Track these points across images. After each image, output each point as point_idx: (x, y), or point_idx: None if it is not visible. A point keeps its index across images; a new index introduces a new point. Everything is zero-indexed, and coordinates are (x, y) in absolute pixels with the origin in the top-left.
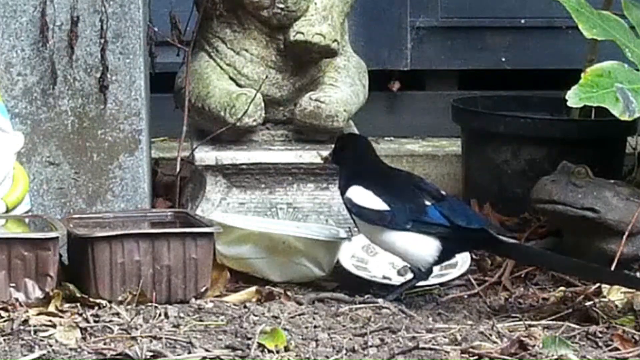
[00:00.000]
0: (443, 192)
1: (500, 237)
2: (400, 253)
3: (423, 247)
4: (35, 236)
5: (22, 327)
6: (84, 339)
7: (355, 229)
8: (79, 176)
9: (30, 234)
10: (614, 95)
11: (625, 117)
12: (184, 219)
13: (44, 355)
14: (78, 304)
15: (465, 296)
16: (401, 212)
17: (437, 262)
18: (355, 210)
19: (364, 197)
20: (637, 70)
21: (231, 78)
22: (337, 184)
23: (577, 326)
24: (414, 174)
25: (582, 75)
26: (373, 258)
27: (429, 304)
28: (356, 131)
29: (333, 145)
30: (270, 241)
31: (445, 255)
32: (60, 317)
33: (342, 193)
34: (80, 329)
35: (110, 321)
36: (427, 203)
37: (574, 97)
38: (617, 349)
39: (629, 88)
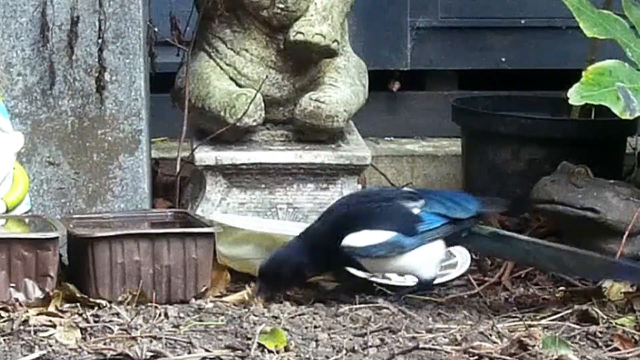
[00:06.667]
0: (415, 191)
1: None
2: (411, 270)
3: (432, 254)
4: (35, 236)
5: (22, 327)
6: (84, 339)
7: None
8: (79, 176)
9: (30, 234)
10: (615, 94)
11: (626, 116)
12: (184, 219)
13: (44, 355)
14: (78, 304)
15: (465, 296)
16: (405, 231)
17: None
18: (361, 252)
19: (361, 238)
20: (638, 69)
21: (231, 78)
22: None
23: (577, 326)
24: (371, 187)
25: (583, 73)
26: None
27: (429, 304)
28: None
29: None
30: (271, 241)
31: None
32: (60, 317)
33: (337, 244)
34: (80, 329)
35: (110, 321)
36: (416, 212)
37: (575, 95)
38: (617, 349)
39: (629, 87)
